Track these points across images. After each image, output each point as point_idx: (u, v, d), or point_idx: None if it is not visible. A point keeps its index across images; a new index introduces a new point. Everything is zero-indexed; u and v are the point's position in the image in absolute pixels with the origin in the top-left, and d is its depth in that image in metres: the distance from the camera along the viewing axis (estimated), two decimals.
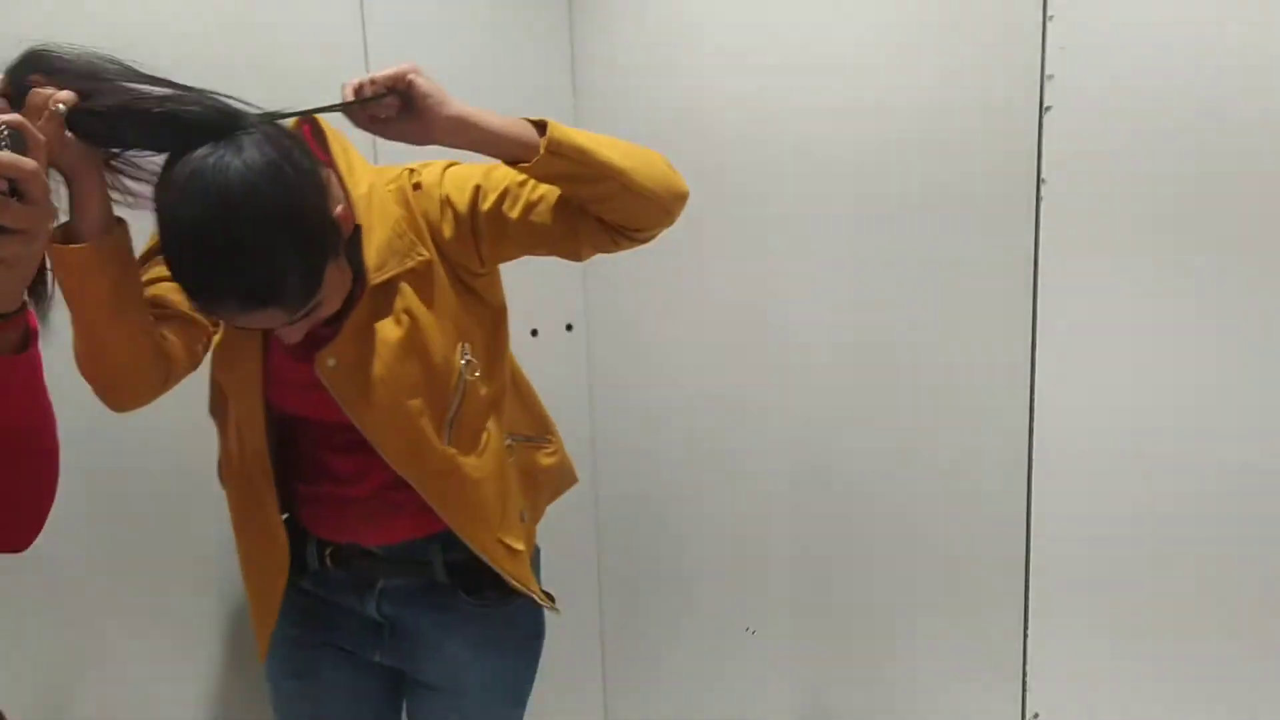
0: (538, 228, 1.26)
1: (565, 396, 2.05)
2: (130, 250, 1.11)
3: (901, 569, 1.68)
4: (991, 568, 1.55)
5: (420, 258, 1.24)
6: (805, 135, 1.66)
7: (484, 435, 1.35)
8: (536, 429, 1.51)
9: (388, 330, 1.24)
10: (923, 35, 1.50)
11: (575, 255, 1.31)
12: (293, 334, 1.17)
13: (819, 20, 1.62)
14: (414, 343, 1.25)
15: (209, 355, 1.31)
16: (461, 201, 1.26)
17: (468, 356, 1.29)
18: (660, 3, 1.84)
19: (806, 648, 1.85)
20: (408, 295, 1.24)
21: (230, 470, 1.37)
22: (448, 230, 1.26)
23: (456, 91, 1.16)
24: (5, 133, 0.77)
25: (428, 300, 1.26)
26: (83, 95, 0.98)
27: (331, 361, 1.22)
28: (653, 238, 1.31)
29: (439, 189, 1.27)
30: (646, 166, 1.22)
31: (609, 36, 1.97)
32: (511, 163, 1.19)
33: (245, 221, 1.02)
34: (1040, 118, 1.37)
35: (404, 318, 1.24)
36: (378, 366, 1.23)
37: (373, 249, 1.20)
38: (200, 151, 1.01)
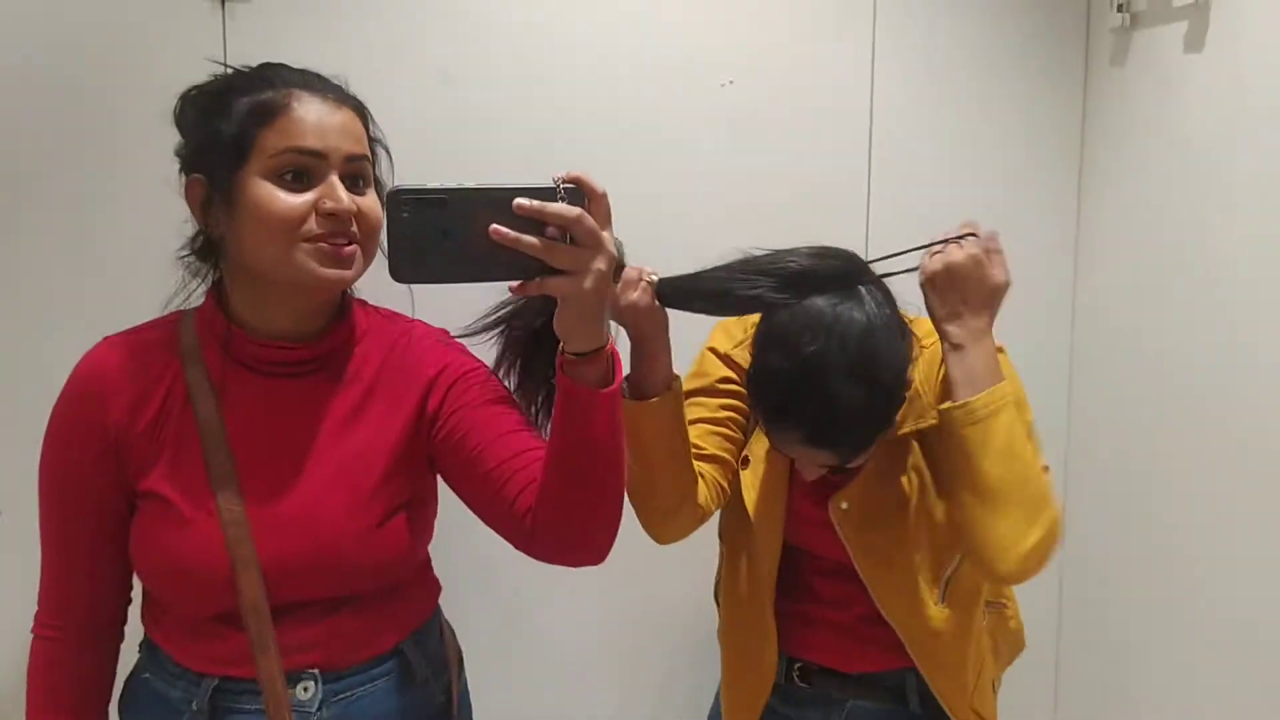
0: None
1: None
2: (682, 399, 1.24)
3: None
4: None
5: (933, 420, 1.26)
6: None
7: (977, 598, 1.37)
8: (1000, 590, 1.50)
9: (899, 483, 1.30)
10: None
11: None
12: (813, 472, 1.26)
13: None
14: (922, 499, 1.30)
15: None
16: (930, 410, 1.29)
17: None
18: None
19: None
20: (917, 453, 1.30)
21: (730, 589, 1.44)
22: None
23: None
24: (562, 187, 0.93)
25: (932, 460, 1.29)
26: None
27: (845, 505, 1.30)
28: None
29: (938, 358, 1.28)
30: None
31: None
32: None
33: (857, 367, 1.12)
34: None
35: (913, 475, 1.30)
36: (886, 516, 1.30)
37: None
38: (827, 299, 1.14)
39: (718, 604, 1.49)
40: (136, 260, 1.57)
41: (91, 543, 1.20)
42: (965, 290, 1.19)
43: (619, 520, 1.11)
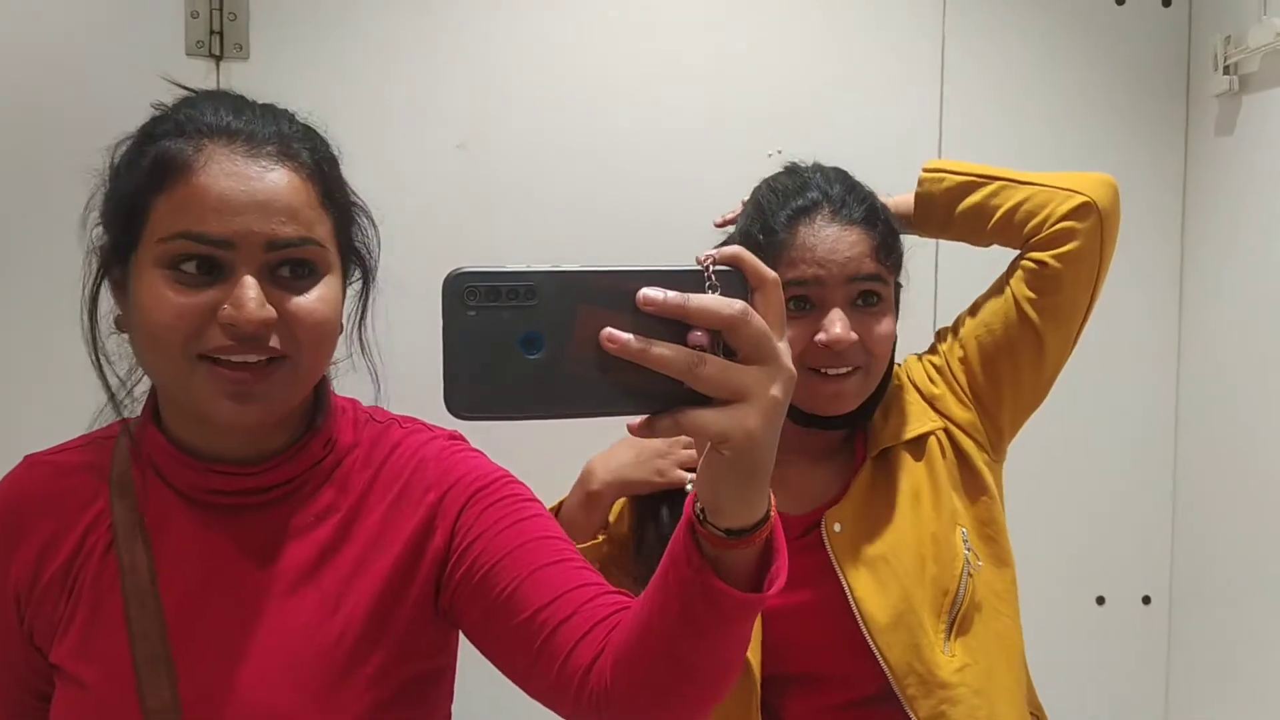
0: (980, 313, 1.23)
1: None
2: None
3: None
4: None
5: (922, 428, 1.21)
6: None
7: (1004, 650, 1.20)
8: (1035, 704, 1.32)
9: (892, 501, 1.19)
10: None
11: (1025, 321, 1.20)
12: (844, 322, 1.12)
13: None
14: (915, 517, 1.18)
15: None
16: (939, 354, 1.27)
17: (967, 543, 1.20)
18: None
19: None
20: (910, 471, 1.21)
21: None
22: (943, 396, 1.25)
23: None
24: (713, 270, 0.61)
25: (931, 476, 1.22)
26: None
27: (837, 526, 1.18)
28: (1079, 245, 1.18)
29: (920, 363, 1.28)
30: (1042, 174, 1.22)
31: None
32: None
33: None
34: None
35: (906, 493, 1.20)
36: (880, 532, 1.18)
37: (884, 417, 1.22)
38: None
39: None
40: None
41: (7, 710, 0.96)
42: None
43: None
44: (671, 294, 0.60)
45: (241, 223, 0.81)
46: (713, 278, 0.61)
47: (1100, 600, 1.75)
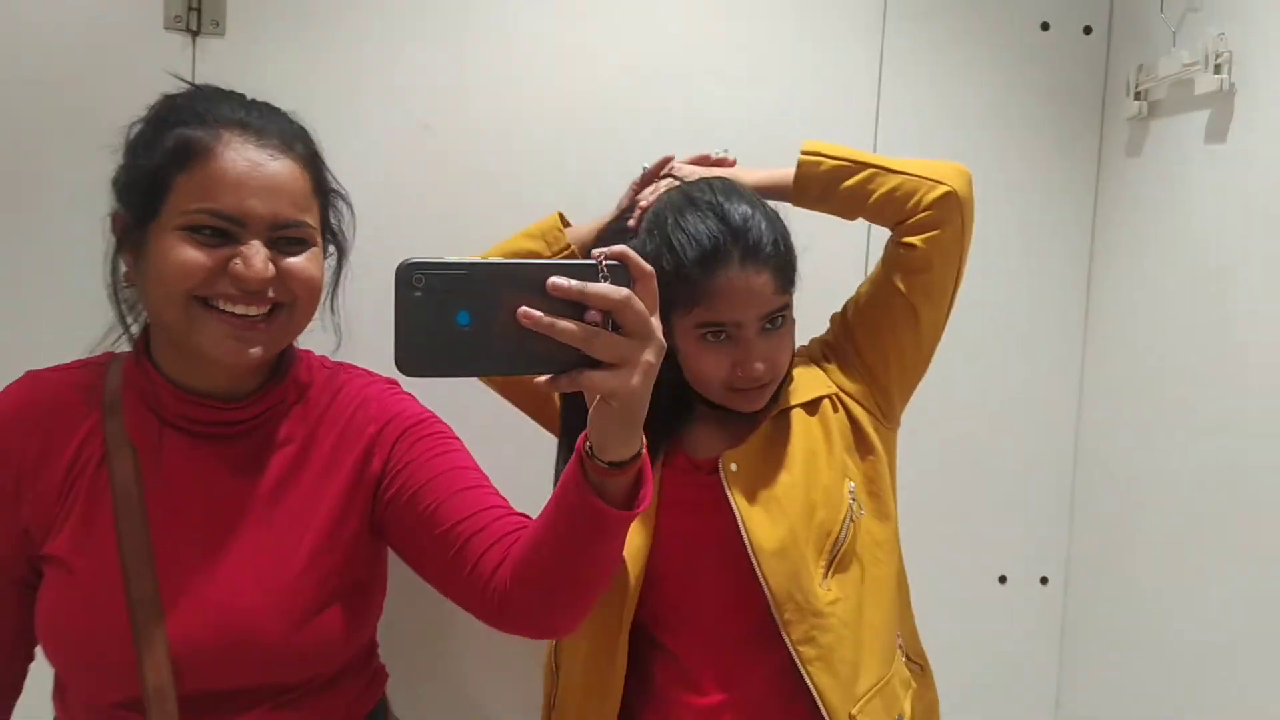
0: (863, 294, 1.37)
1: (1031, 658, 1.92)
2: None
3: None
4: None
5: (817, 392, 1.34)
6: None
7: (875, 594, 1.32)
8: (919, 648, 1.46)
9: (784, 450, 1.30)
10: None
11: (900, 298, 1.33)
12: (759, 350, 1.25)
13: None
14: (806, 469, 1.29)
15: None
16: (831, 333, 1.41)
17: (853, 495, 1.32)
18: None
19: None
20: (804, 429, 1.32)
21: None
22: (834, 369, 1.38)
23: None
24: (605, 265, 0.80)
25: (825, 433, 1.33)
26: None
27: (734, 465, 1.28)
28: (943, 230, 1.30)
29: (817, 342, 1.42)
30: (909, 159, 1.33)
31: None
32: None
33: (749, 197, 1.27)
34: None
35: (799, 446, 1.31)
36: (773, 475, 1.29)
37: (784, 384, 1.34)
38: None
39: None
40: (79, 297, 1.46)
41: None
42: None
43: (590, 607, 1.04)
44: (574, 282, 0.78)
45: (253, 202, 0.99)
46: (605, 270, 0.80)
47: (1002, 579, 1.87)
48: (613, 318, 0.80)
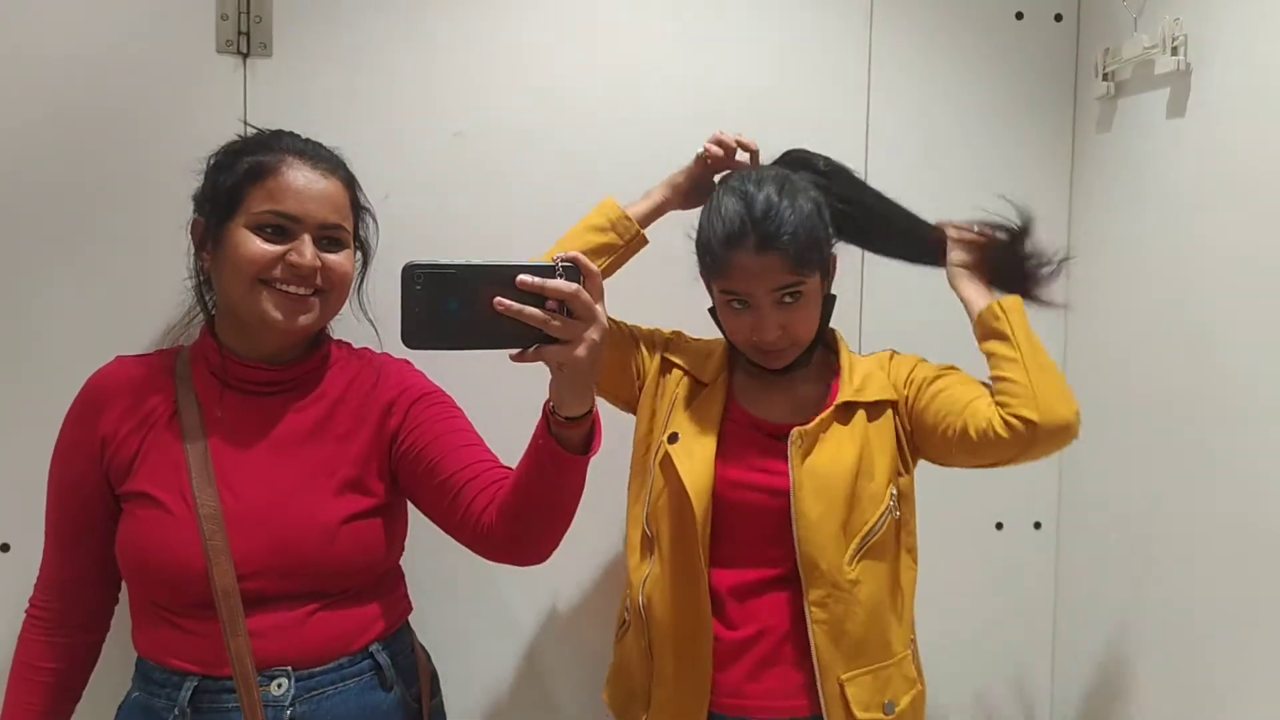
0: (940, 393, 1.45)
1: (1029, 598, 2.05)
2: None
3: None
4: None
5: (883, 397, 1.48)
6: None
7: (893, 590, 1.47)
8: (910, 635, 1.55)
9: (844, 441, 1.44)
10: None
11: (938, 440, 1.44)
12: (771, 325, 1.41)
13: None
14: (860, 464, 1.43)
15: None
16: (915, 378, 1.50)
17: (894, 497, 1.46)
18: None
19: None
20: (865, 430, 1.45)
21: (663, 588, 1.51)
22: (901, 395, 1.50)
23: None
24: (560, 266, 1.03)
25: (880, 436, 1.47)
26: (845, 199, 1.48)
27: (799, 438, 1.43)
28: (998, 445, 1.37)
29: (907, 365, 1.53)
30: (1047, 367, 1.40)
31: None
32: None
33: (785, 188, 1.40)
34: None
35: (858, 442, 1.44)
36: (828, 454, 1.43)
37: (856, 372, 1.50)
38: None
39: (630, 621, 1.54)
40: (149, 299, 1.63)
41: (80, 536, 1.35)
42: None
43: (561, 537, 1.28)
44: (535, 279, 1.02)
45: (308, 206, 1.27)
46: (560, 270, 1.03)
47: (999, 525, 2.01)
48: (566, 306, 1.03)
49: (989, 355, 1.43)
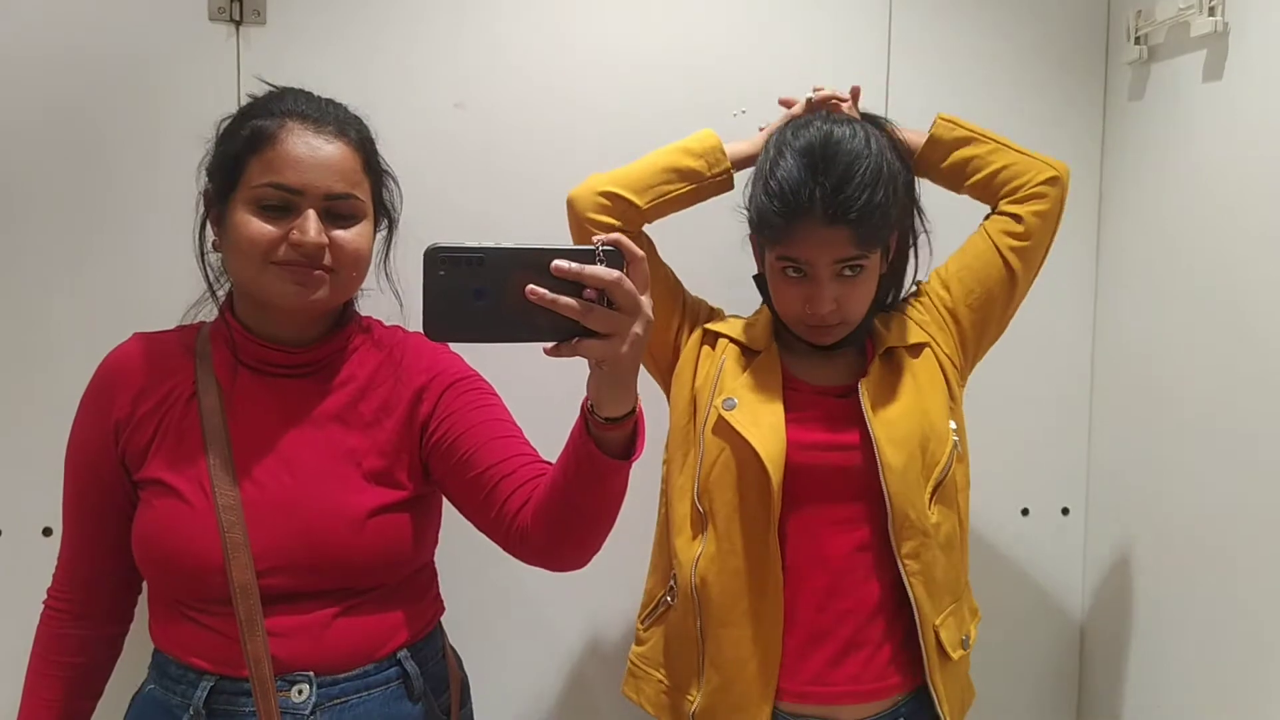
0: (965, 257, 1.50)
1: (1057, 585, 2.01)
2: None
3: None
4: None
5: (919, 339, 1.46)
6: None
7: (960, 532, 1.47)
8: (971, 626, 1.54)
9: (900, 381, 1.43)
10: None
11: (1003, 262, 1.48)
12: (828, 296, 1.34)
13: None
14: (918, 400, 1.41)
15: None
16: (934, 286, 1.52)
17: (955, 432, 1.44)
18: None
19: None
20: (912, 368, 1.44)
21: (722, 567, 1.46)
22: (930, 323, 1.49)
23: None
24: (601, 250, 0.90)
25: (929, 374, 1.45)
26: None
27: (865, 387, 1.40)
28: (1048, 205, 1.48)
29: (922, 293, 1.53)
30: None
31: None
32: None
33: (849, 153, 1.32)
34: None
35: (911, 380, 1.43)
36: (893, 398, 1.41)
37: (885, 323, 1.48)
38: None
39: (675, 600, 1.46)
40: (152, 273, 1.61)
41: (97, 524, 1.27)
42: None
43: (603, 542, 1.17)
44: (574, 264, 0.89)
45: (310, 176, 1.15)
46: (601, 255, 0.90)
47: (1025, 512, 1.95)
48: (607, 295, 0.91)
49: (966, 162, 1.49)
